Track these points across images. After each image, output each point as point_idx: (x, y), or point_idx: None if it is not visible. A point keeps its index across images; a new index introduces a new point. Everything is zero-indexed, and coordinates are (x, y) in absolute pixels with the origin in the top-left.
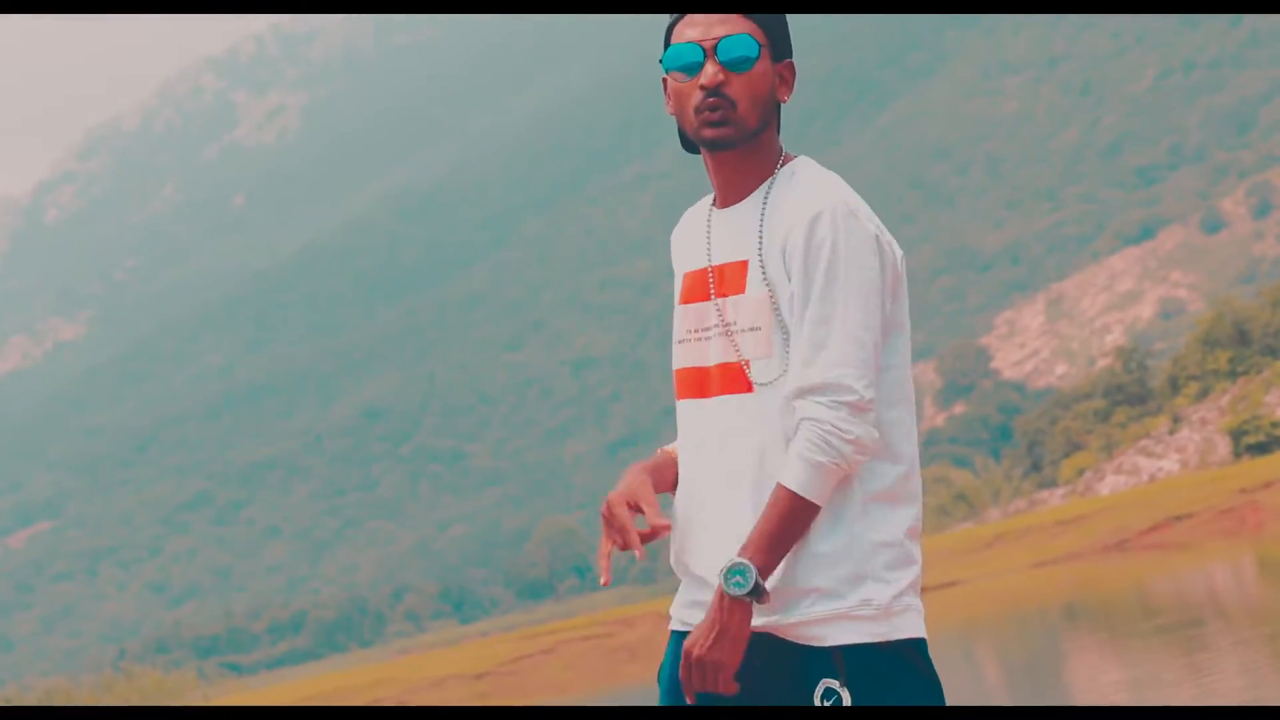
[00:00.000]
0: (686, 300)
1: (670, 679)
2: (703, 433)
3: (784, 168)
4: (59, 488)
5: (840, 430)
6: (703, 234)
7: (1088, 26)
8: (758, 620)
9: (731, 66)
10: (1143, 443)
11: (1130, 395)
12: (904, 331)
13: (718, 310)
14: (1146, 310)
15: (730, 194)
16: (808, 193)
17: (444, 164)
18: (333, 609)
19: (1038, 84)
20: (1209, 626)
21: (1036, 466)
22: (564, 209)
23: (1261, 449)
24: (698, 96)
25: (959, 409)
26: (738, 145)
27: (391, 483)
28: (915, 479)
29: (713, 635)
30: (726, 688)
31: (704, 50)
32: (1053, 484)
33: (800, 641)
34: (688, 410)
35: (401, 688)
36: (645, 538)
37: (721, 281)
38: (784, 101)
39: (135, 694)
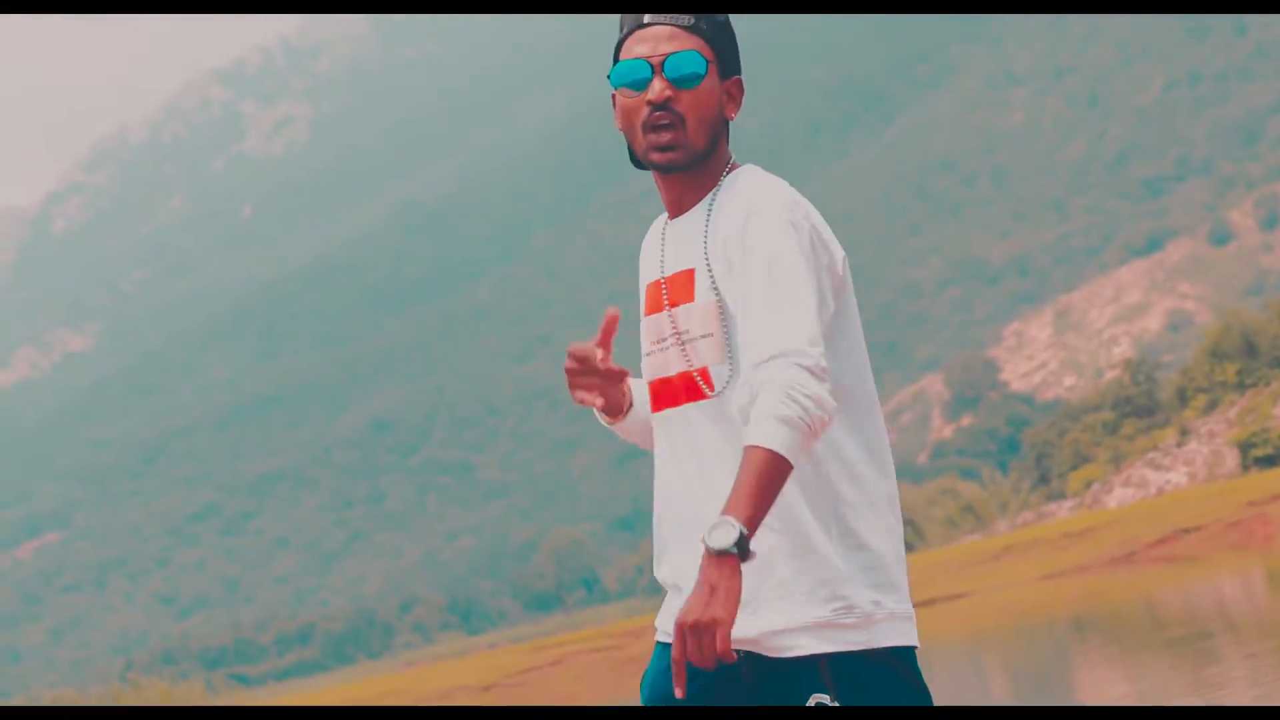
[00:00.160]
0: (648, 313)
1: (652, 687)
2: (674, 444)
3: (728, 176)
4: (67, 499)
5: (800, 385)
6: (658, 246)
7: (1094, 38)
8: (739, 637)
9: (679, 83)
10: (1151, 455)
11: (1138, 407)
12: (857, 342)
13: (671, 320)
14: (1154, 322)
15: (680, 207)
16: (747, 194)
17: (452, 177)
18: (341, 620)
19: (1044, 95)
20: (1218, 639)
21: (1044, 479)
22: (571, 222)
23: (1270, 461)
24: (645, 112)
25: (966, 421)
26: (685, 169)
27: (400, 494)
28: (892, 486)
29: (705, 594)
30: (725, 650)
31: (652, 66)
32: (1061, 496)
33: (783, 655)
34: (659, 423)
35: (409, 699)
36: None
37: (673, 291)
38: (731, 119)
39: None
